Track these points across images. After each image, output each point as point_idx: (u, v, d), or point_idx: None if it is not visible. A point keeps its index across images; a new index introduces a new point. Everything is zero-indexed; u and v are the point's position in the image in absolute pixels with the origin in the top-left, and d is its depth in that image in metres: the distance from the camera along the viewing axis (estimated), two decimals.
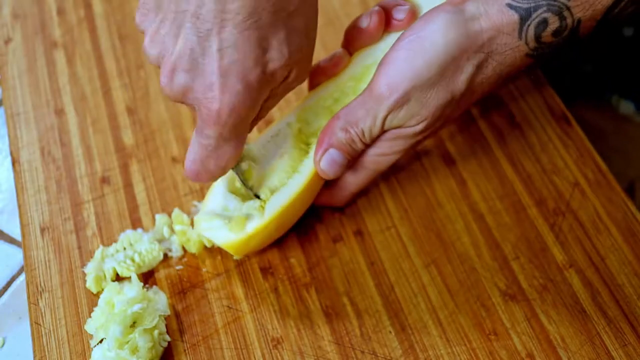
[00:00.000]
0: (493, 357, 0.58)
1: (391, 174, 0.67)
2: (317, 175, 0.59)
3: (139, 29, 0.52)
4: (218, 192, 0.60)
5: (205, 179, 0.55)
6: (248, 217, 0.58)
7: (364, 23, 0.58)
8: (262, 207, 0.58)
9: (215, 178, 0.56)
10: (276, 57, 0.49)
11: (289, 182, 0.59)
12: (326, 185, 0.62)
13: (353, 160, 0.58)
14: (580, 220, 0.64)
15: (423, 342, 0.59)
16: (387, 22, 0.58)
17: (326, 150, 0.57)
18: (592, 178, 0.67)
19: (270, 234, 0.59)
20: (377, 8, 0.58)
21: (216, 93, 0.49)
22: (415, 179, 0.67)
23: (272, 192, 0.59)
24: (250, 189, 0.59)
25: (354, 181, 0.61)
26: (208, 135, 0.52)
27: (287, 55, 0.49)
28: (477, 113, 0.71)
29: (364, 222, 0.65)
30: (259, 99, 0.51)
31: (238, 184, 0.60)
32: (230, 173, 0.59)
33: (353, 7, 0.78)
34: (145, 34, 0.51)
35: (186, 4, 0.47)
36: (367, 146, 0.57)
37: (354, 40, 0.59)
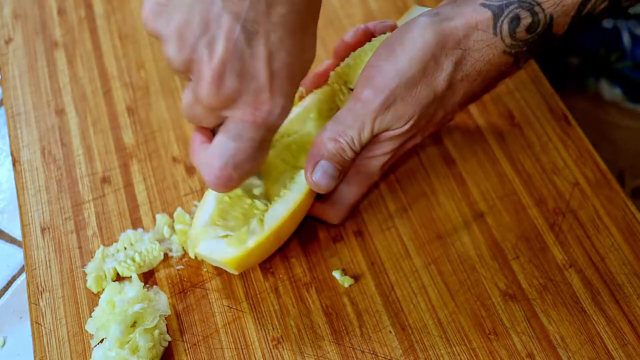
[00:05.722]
0: (493, 357, 0.58)
1: (391, 173, 0.67)
2: None
3: (148, 29, 0.49)
4: (210, 207, 0.59)
5: (235, 184, 0.53)
6: (250, 231, 0.57)
7: (349, 37, 0.61)
8: (262, 221, 0.57)
9: (241, 183, 0.54)
10: (311, 57, 0.51)
11: (286, 193, 0.58)
12: (319, 198, 0.61)
13: (344, 171, 0.58)
14: (580, 220, 0.65)
15: (423, 342, 0.59)
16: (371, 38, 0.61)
17: (317, 162, 0.56)
18: (592, 178, 0.67)
19: (270, 247, 0.59)
20: (362, 26, 0.61)
21: (267, 95, 0.49)
22: (415, 179, 0.67)
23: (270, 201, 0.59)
24: (259, 197, 0.59)
25: (347, 192, 0.61)
26: (251, 138, 0.51)
27: (314, 54, 0.52)
28: (477, 113, 0.71)
29: (364, 222, 0.65)
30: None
31: (256, 191, 0.59)
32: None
33: (353, 7, 0.78)
34: (162, 36, 0.48)
35: (225, 4, 0.46)
36: (357, 155, 0.58)
37: (341, 53, 0.63)
